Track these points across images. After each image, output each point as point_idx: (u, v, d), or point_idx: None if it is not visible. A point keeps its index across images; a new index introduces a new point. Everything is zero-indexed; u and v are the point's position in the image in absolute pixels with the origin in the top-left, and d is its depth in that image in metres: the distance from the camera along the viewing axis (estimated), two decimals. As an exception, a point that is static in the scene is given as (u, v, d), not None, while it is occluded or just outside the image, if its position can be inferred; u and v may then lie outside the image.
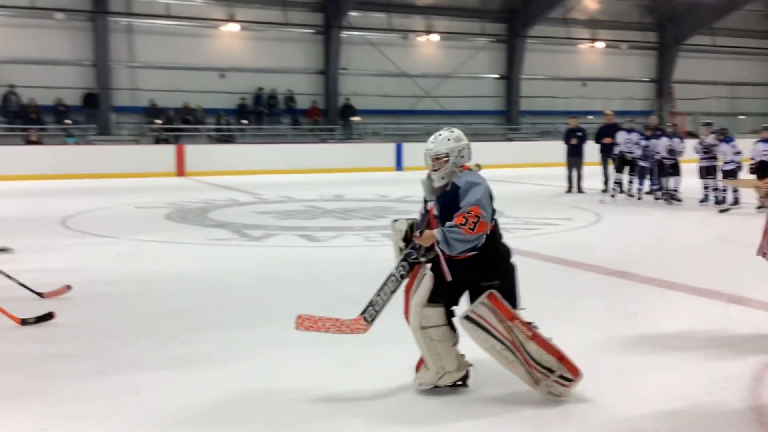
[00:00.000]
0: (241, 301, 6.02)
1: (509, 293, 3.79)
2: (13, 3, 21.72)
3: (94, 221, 11.18)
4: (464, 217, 3.63)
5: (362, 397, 3.86)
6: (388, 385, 4.00)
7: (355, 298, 6.00)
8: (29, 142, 20.75)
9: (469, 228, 3.61)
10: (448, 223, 3.68)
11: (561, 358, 3.77)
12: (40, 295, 5.83)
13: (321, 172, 22.04)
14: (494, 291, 3.71)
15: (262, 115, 25.35)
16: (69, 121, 22.42)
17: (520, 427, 3.47)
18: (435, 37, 28.10)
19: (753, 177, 11.22)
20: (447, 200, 3.82)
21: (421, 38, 28.15)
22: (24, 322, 5.08)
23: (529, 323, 3.79)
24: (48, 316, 5.16)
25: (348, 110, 26.27)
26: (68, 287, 5.99)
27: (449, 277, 3.76)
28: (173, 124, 23.45)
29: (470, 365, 3.94)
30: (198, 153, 21.79)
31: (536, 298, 5.99)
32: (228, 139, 24.16)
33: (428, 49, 28.44)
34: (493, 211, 3.79)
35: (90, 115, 22.85)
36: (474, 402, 3.77)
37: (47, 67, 22.54)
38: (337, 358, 4.44)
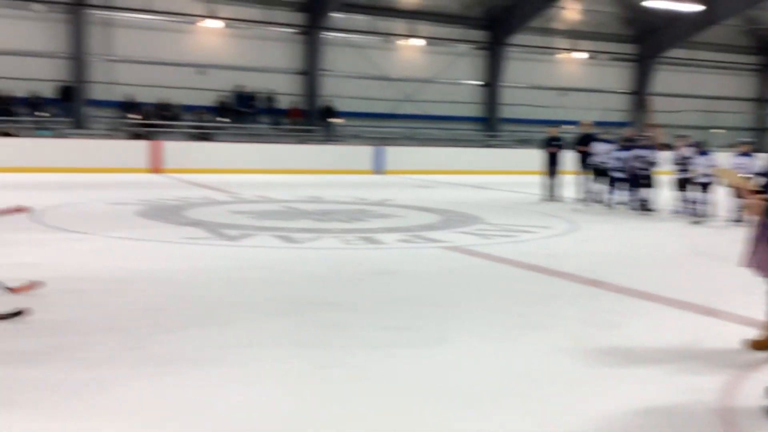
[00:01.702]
0: (215, 302, 5.94)
1: None
2: (-11, -8, 21.43)
3: (66, 216, 11.01)
4: None
5: (336, 402, 3.81)
6: (362, 390, 3.95)
7: (326, 300, 5.99)
8: (2, 134, 20.42)
9: None
10: None
11: None
12: (9, 290, 5.70)
13: (300, 173, 21.95)
14: None
15: (241, 114, 25.19)
16: (43, 114, 22.10)
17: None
18: (418, 42, 28.15)
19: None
20: None
21: (404, 42, 28.18)
22: (-7, 317, 4.96)
23: None
24: (17, 314, 5.05)
25: (329, 112, 26.20)
26: (38, 283, 5.87)
27: None
28: (150, 119, 23.22)
29: None
30: (175, 150, 21.59)
31: (513, 306, 6.02)
32: (206, 137, 23.97)
33: (410, 53, 28.48)
34: None
35: (65, 108, 22.57)
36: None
37: (22, 59, 22.25)
38: (308, 361, 4.39)
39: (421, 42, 28.23)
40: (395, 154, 24.42)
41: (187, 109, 24.21)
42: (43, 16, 22.45)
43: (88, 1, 22.62)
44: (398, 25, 27.96)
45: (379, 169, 23.99)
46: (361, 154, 24.17)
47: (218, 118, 24.72)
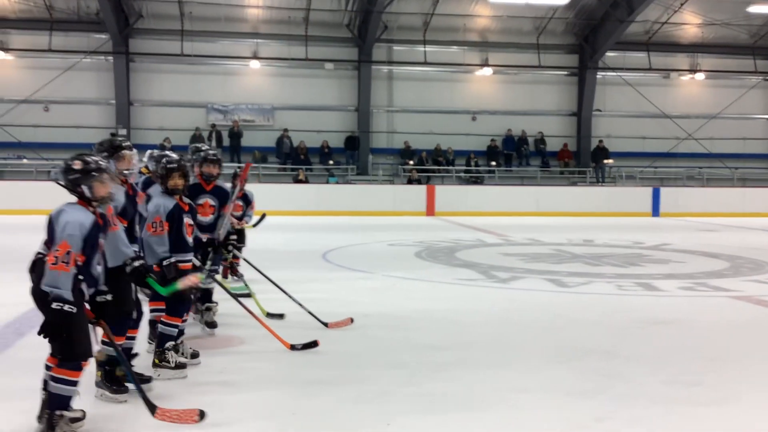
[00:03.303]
0: (485, 343, 6.03)
1: None
2: (291, 55, 24.17)
3: (351, 256, 11.93)
4: None
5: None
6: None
7: (601, 348, 5.77)
8: (297, 181, 22.79)
9: None
10: None
11: None
12: (325, 324, 6.31)
13: (570, 215, 21.55)
14: None
15: (511, 157, 25.47)
16: (332, 162, 24.28)
17: None
18: (700, 76, 26.44)
19: None
20: None
21: (684, 77, 26.63)
22: (292, 347, 5.53)
23: None
24: (313, 344, 5.57)
25: (601, 152, 25.49)
26: (351, 320, 6.43)
27: None
28: (425, 165, 24.40)
29: None
30: (448, 193, 22.41)
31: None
32: (477, 181, 24.57)
33: (691, 89, 26.83)
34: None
35: (350, 157, 24.58)
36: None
37: (316, 113, 24.74)
38: (584, 411, 4.26)
39: (703, 76, 26.45)
40: (673, 196, 22.99)
41: (459, 154, 25.06)
42: (334, 73, 24.82)
43: (373, 58, 24.56)
44: (678, 59, 26.53)
45: (656, 211, 22.72)
46: (636, 195, 23.13)
47: (489, 162, 25.23)
